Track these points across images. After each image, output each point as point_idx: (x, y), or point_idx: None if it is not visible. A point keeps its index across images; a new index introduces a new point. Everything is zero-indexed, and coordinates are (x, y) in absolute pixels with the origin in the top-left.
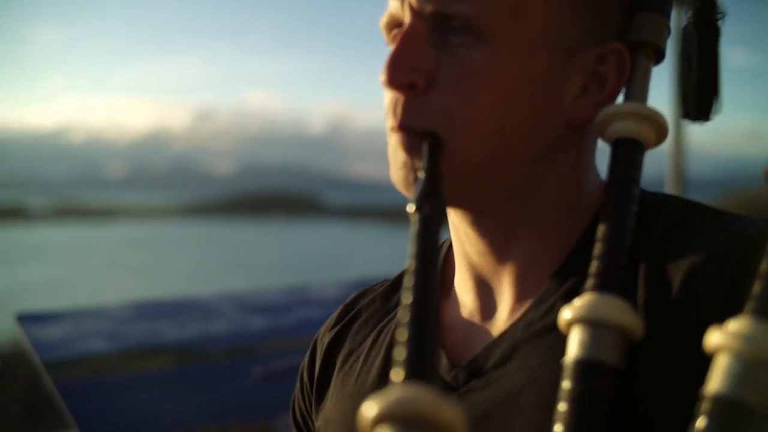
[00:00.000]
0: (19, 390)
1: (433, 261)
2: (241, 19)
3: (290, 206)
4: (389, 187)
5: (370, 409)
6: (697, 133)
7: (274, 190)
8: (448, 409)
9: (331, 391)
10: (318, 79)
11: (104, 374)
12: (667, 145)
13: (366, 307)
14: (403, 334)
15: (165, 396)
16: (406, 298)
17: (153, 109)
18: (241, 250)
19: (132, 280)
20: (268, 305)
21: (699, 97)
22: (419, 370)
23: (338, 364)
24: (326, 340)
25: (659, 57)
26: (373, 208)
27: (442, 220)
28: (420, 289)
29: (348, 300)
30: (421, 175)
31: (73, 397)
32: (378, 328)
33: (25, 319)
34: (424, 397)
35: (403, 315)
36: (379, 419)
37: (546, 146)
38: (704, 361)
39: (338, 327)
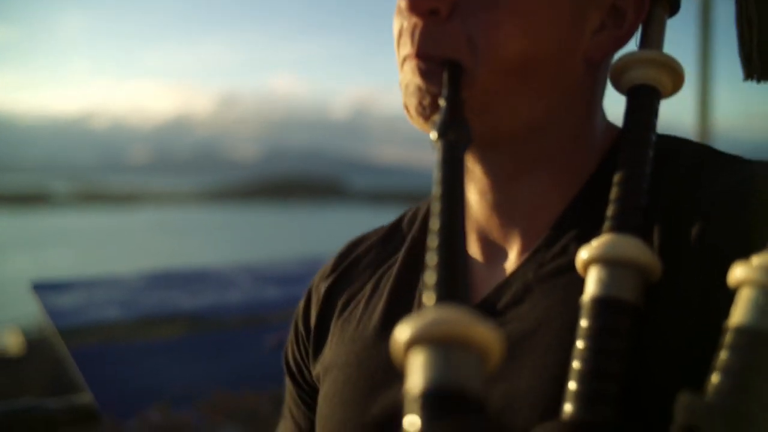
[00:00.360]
0: (44, 374)
1: (460, 186)
2: (265, 2)
3: (314, 191)
4: (413, 172)
5: (403, 331)
6: (723, 116)
7: (298, 175)
8: (485, 330)
9: (331, 338)
10: (342, 63)
11: (118, 341)
12: (693, 128)
13: (364, 254)
14: (432, 259)
15: (179, 363)
16: (434, 223)
17: (177, 94)
18: (265, 234)
19: (156, 265)
20: (282, 276)
21: (763, 55)
22: (451, 292)
23: (337, 311)
24: (323, 288)
25: (674, 10)
26: (397, 193)
27: (468, 146)
28: (447, 214)
29: (343, 249)
30: (442, 103)
31: (87, 363)
32: (378, 274)
33: (40, 288)
34: (458, 317)
35: (431, 240)
36: (414, 341)
37: (564, 80)
38: (722, 302)
39: (335, 274)
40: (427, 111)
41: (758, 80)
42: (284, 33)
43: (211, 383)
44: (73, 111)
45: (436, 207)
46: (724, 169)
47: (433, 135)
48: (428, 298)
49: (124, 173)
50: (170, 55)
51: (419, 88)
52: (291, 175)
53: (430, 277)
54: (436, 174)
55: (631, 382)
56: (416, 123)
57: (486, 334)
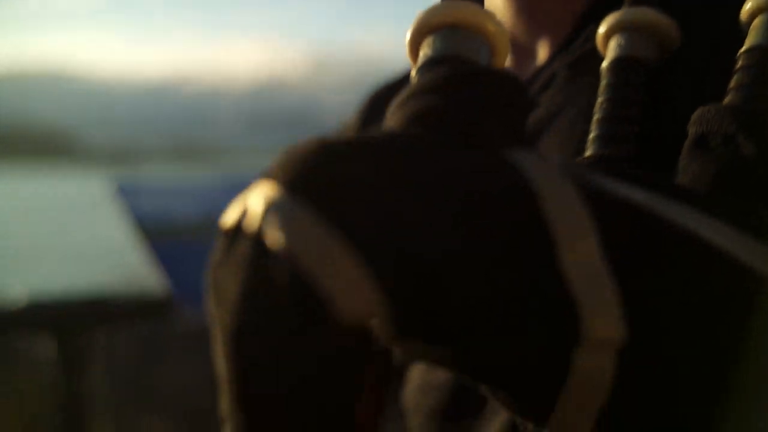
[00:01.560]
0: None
1: None
2: None
3: None
4: None
5: (414, 22)
6: None
7: None
8: (494, 20)
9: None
10: None
11: (198, 240)
12: None
13: (394, 89)
14: None
15: None
16: None
17: (269, 53)
18: None
19: None
20: None
21: None
22: None
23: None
24: (365, 105)
25: None
26: None
27: None
28: None
29: (371, 92)
30: None
31: (166, 257)
32: None
33: (125, 190)
34: (466, 5)
35: None
36: (419, 31)
37: None
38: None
39: (369, 104)
40: None
41: None
42: None
43: None
44: (162, 72)
45: None
46: None
47: None
48: None
49: (214, 135)
50: (261, 13)
51: None
52: None
53: None
54: None
55: (648, 129)
56: None
57: (495, 24)
